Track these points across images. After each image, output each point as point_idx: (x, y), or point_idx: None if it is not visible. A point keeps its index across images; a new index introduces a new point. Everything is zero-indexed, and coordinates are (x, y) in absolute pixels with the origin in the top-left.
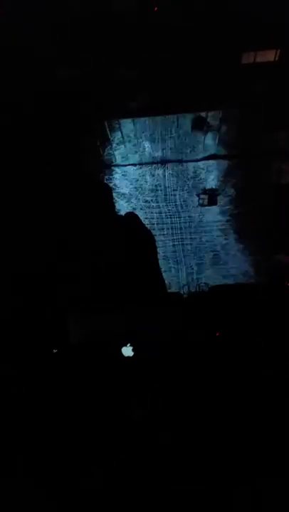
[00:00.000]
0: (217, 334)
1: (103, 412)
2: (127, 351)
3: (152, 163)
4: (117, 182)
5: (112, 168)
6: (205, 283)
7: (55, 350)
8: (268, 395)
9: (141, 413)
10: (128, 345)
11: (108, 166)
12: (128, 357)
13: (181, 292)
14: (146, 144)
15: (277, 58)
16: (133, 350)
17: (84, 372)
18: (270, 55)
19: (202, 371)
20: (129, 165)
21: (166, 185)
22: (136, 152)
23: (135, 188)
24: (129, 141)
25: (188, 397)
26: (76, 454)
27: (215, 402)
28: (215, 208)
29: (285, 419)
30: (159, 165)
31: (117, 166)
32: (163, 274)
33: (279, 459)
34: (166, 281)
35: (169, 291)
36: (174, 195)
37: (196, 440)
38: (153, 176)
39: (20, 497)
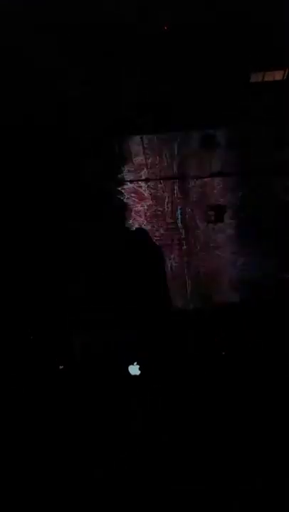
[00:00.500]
0: (223, 353)
1: (106, 425)
2: (134, 370)
3: (161, 179)
4: (125, 198)
5: (120, 183)
6: (211, 299)
7: (61, 367)
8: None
9: (141, 426)
10: (135, 363)
11: (116, 182)
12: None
13: (187, 308)
14: (155, 161)
15: (286, 76)
16: (140, 369)
17: (89, 387)
18: (278, 74)
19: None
20: (138, 181)
21: (174, 201)
22: (144, 169)
23: (143, 203)
24: (138, 157)
25: (190, 410)
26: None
27: (218, 416)
28: (222, 225)
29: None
30: (169, 181)
31: (126, 182)
32: (170, 290)
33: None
34: (173, 297)
35: (176, 307)
36: (182, 210)
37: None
38: (162, 191)
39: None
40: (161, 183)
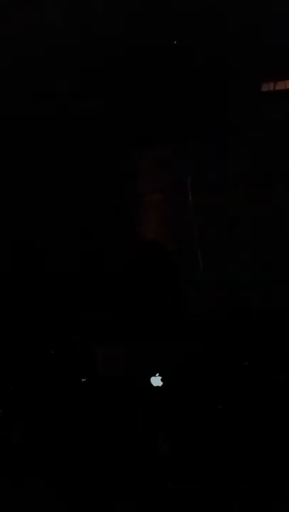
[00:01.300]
0: (246, 363)
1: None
2: (156, 381)
3: (176, 191)
4: (142, 210)
5: (137, 196)
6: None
7: (84, 380)
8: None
9: (166, 446)
10: (157, 374)
11: (135, 195)
12: (157, 387)
13: (202, 321)
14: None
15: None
16: (162, 380)
17: (111, 401)
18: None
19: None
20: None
21: (190, 213)
22: (161, 180)
23: (158, 214)
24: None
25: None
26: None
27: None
28: (236, 236)
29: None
30: (184, 193)
31: (144, 194)
32: (186, 303)
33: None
34: (188, 310)
35: (190, 320)
36: (198, 223)
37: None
38: (176, 203)
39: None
40: None
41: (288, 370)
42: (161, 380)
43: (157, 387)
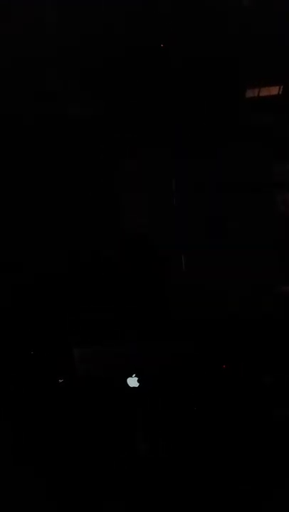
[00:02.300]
0: (224, 366)
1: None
2: (133, 382)
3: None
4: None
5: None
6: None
7: (61, 380)
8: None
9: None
10: (133, 375)
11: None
12: (133, 387)
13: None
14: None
15: (281, 92)
16: (138, 381)
17: (88, 402)
18: (274, 90)
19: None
20: None
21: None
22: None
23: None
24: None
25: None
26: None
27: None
28: (223, 239)
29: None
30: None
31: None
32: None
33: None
34: (174, 311)
35: (176, 321)
36: (183, 223)
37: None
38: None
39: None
40: None
41: (274, 372)
42: (138, 381)
43: (134, 387)
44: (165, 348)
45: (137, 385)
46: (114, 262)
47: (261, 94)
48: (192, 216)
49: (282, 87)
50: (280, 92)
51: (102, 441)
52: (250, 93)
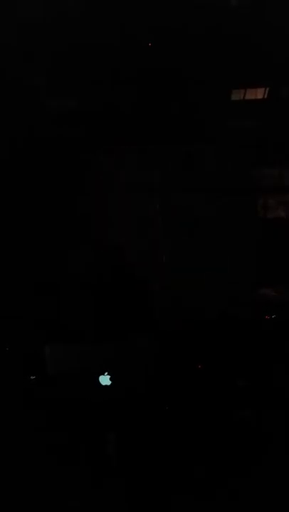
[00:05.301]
0: (199, 367)
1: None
2: (105, 380)
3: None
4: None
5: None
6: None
7: (32, 377)
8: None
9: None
10: (106, 373)
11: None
12: (106, 386)
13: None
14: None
15: (266, 95)
16: (111, 379)
17: (61, 400)
18: (259, 93)
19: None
20: None
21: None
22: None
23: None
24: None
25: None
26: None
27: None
28: (203, 241)
29: None
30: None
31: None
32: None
33: None
34: (150, 310)
35: (153, 320)
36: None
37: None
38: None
39: None
40: None
41: (247, 375)
42: (110, 379)
43: (106, 386)
44: (140, 346)
45: (109, 383)
46: (88, 264)
47: (243, 97)
48: (174, 223)
49: (265, 89)
50: (261, 96)
51: (71, 440)
52: (233, 96)
